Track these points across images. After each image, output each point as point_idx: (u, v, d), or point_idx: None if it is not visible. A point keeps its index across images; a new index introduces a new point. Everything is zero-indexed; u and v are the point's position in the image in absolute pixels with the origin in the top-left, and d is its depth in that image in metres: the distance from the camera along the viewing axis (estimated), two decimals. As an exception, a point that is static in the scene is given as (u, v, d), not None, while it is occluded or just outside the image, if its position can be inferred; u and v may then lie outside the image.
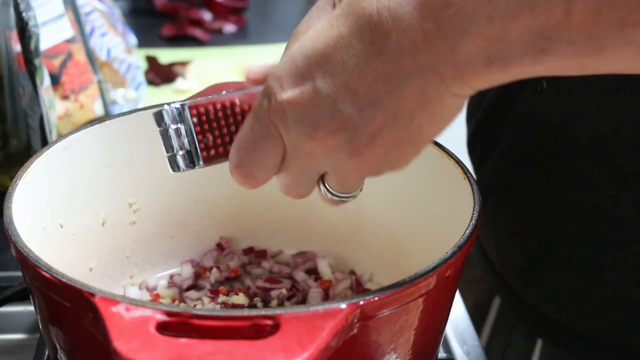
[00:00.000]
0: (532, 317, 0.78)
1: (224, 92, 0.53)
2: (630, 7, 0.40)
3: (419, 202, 0.67)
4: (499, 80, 0.45)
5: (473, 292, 0.88)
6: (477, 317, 0.84)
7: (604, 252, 0.71)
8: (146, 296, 0.72)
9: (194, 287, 0.72)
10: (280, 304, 0.70)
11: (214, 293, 0.71)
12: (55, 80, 0.99)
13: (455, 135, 0.99)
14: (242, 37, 1.49)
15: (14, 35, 0.86)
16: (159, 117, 0.52)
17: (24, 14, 0.86)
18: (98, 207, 0.69)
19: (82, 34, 1.05)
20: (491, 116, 0.81)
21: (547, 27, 0.41)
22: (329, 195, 0.51)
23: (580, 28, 0.41)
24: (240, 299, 0.69)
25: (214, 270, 0.73)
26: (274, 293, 0.71)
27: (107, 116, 0.85)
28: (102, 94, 1.06)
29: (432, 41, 0.43)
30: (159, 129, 0.52)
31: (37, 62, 0.88)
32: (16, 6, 0.86)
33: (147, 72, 1.26)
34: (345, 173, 0.49)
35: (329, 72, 0.45)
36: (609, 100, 0.67)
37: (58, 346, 0.54)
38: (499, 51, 0.43)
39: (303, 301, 0.70)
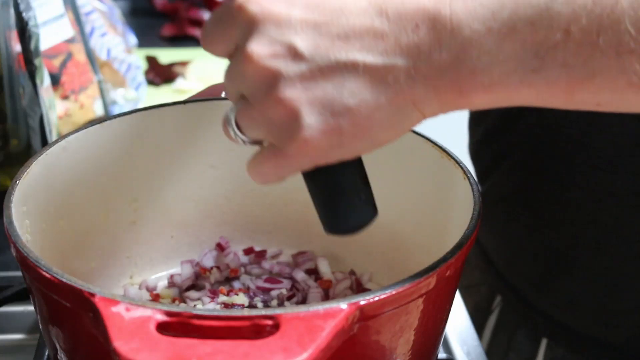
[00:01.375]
0: (547, 324, 0.78)
1: None
2: (630, 34, 0.39)
3: (419, 202, 0.67)
4: (475, 104, 0.44)
5: (473, 296, 0.88)
6: (477, 320, 0.84)
7: (621, 262, 0.71)
8: (146, 296, 0.72)
9: (194, 287, 0.72)
10: (280, 304, 0.70)
11: (214, 293, 0.71)
12: (55, 80, 0.99)
13: (455, 136, 0.99)
14: (242, 37, 1.49)
15: (14, 35, 0.86)
16: None
17: (24, 14, 0.86)
18: (98, 207, 0.69)
19: (82, 34, 1.05)
20: (502, 125, 0.80)
21: (543, 45, 0.41)
22: (228, 118, 0.48)
23: (577, 49, 0.40)
24: (240, 299, 0.69)
25: (214, 270, 0.73)
26: (274, 293, 0.71)
27: (107, 116, 0.85)
28: (102, 94, 1.06)
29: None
30: None
31: (37, 62, 0.88)
32: (16, 6, 0.86)
33: (147, 72, 1.26)
34: (254, 114, 0.45)
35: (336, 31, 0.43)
36: (622, 116, 0.65)
37: (58, 346, 0.54)
38: (486, 65, 0.42)
39: (303, 301, 0.70)
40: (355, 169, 0.49)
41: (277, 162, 0.46)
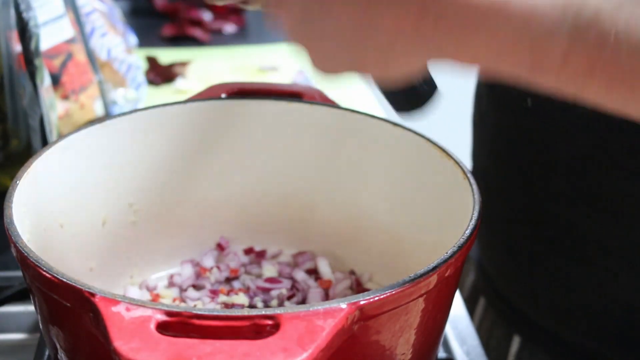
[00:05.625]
0: (511, 314, 0.81)
1: None
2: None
3: (419, 202, 0.67)
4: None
5: (463, 290, 0.90)
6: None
7: (573, 265, 0.73)
8: (146, 296, 0.72)
9: (194, 287, 0.72)
10: (280, 304, 0.70)
11: (214, 293, 0.71)
12: (55, 81, 0.99)
13: (455, 136, 0.99)
14: (242, 37, 1.49)
15: (14, 36, 0.87)
16: None
17: (24, 14, 0.86)
18: (98, 207, 0.69)
19: (82, 34, 1.05)
20: (491, 127, 0.82)
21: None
22: None
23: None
24: (240, 299, 0.70)
25: (214, 270, 0.73)
26: (274, 293, 0.71)
27: (107, 116, 0.85)
28: (102, 94, 1.06)
29: None
30: None
31: (37, 62, 0.88)
32: (16, 6, 0.86)
33: (147, 72, 1.26)
34: None
35: None
36: (586, 127, 0.68)
37: (58, 346, 0.54)
38: None
39: (303, 301, 0.70)
40: None
41: None
